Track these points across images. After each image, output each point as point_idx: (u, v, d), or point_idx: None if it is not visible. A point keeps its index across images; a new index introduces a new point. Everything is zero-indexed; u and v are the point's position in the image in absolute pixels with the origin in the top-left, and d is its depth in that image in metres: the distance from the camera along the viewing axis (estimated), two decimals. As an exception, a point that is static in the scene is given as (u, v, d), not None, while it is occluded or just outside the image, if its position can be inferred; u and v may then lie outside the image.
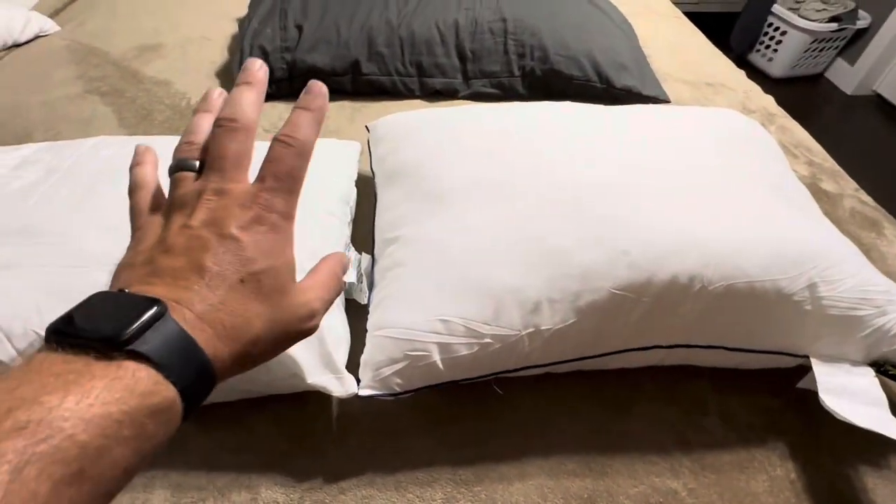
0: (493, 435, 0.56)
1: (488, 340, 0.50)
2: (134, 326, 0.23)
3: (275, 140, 0.31)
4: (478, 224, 0.56)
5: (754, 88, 1.13)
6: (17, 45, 1.08)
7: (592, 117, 0.70)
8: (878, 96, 2.43)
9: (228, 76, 1.03)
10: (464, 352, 0.50)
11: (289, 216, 0.30)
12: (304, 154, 0.31)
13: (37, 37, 1.10)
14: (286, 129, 0.31)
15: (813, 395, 0.57)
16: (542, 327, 0.50)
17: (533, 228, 0.54)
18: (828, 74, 2.57)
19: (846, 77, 2.47)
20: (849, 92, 2.47)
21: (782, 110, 1.08)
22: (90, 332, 0.22)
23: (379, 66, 0.96)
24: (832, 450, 0.56)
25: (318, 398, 0.57)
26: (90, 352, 0.22)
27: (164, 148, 0.64)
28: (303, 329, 0.31)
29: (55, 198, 0.54)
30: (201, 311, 0.25)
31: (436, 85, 0.99)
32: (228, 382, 0.50)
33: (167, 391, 0.23)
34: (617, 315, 0.51)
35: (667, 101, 0.98)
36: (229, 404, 0.55)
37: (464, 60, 0.99)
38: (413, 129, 0.72)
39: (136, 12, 1.21)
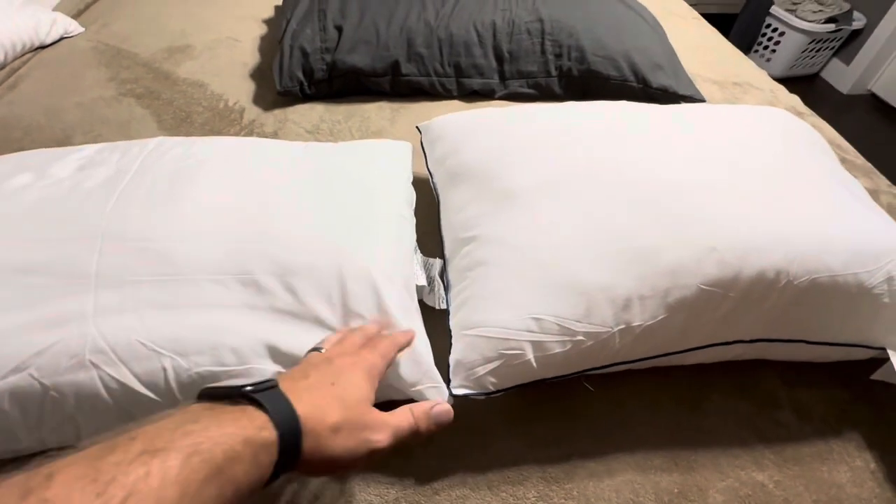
0: (576, 432, 0.56)
1: (581, 338, 0.50)
2: (252, 383, 0.34)
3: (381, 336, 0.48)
4: (557, 222, 0.56)
5: (779, 88, 1.16)
6: (42, 47, 1.06)
7: (651, 116, 0.70)
8: (873, 96, 2.50)
9: (262, 78, 1.02)
10: (557, 350, 0.50)
11: (375, 367, 0.42)
12: (396, 344, 0.47)
13: (62, 38, 1.08)
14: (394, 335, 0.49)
15: (880, 385, 0.59)
16: (634, 323, 0.51)
17: (616, 227, 0.54)
18: (824, 74, 2.63)
19: (842, 77, 2.53)
20: (844, 91, 2.53)
21: (809, 109, 1.10)
22: (223, 388, 0.34)
23: (418, 67, 0.96)
24: (907, 439, 0.57)
25: (399, 402, 0.57)
26: (225, 400, 0.33)
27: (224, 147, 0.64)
28: (371, 438, 0.38)
29: (134, 200, 0.53)
30: (300, 389, 0.36)
31: (473, 85, 1.00)
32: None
33: (270, 432, 0.31)
34: (704, 310, 0.52)
35: (702, 101, 1.00)
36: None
37: (501, 61, 0.99)
38: (471, 129, 0.72)
39: (159, 14, 1.19)
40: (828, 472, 0.54)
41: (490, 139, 0.68)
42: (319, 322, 0.49)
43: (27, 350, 0.43)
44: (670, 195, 0.56)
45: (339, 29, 0.95)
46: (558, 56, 0.99)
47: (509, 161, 0.64)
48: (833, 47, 2.51)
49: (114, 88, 0.96)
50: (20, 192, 0.52)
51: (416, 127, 0.79)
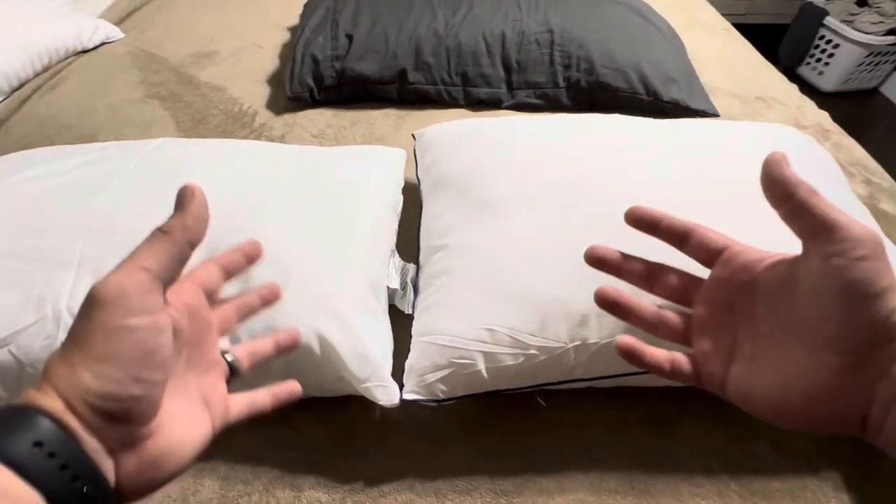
0: (533, 446, 0.56)
1: (534, 352, 0.50)
2: None
3: None
4: (526, 235, 0.56)
5: (808, 103, 1.10)
6: (84, 51, 1.14)
7: (643, 131, 0.69)
8: (938, 113, 2.32)
9: (277, 83, 1.06)
10: (509, 362, 0.50)
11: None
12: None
13: (103, 43, 1.17)
14: None
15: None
16: (590, 340, 0.50)
17: (583, 242, 0.53)
18: (883, 89, 2.47)
19: (904, 93, 2.37)
20: (906, 108, 2.36)
21: (838, 126, 1.04)
22: None
23: (425, 76, 0.98)
24: (891, 483, 0.53)
25: (361, 400, 0.58)
26: None
27: (221, 150, 0.68)
28: None
29: (124, 196, 0.57)
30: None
31: (480, 95, 1.00)
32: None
33: None
34: (666, 332, 0.50)
35: (715, 115, 0.96)
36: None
37: (509, 71, 1.00)
38: (460, 138, 0.72)
39: (193, 21, 1.27)
40: (796, 510, 0.51)
41: (476, 149, 0.68)
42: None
43: (9, 328, 0.47)
44: (642, 212, 0.55)
45: (350, 37, 0.98)
46: (567, 67, 0.98)
47: (490, 172, 0.64)
48: (894, 61, 2.35)
49: (141, 91, 1.02)
50: (22, 184, 0.57)
51: (412, 135, 0.81)
